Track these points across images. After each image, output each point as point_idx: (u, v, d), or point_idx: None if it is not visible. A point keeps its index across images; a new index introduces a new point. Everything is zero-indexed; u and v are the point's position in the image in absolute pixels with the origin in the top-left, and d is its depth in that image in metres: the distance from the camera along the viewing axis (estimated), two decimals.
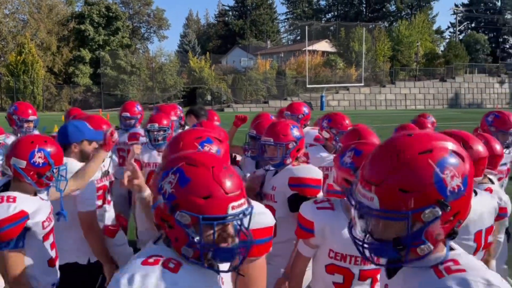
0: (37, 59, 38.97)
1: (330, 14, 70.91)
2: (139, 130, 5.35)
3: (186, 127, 5.37)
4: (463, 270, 1.28)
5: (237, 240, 1.48)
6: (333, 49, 51.42)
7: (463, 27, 66.95)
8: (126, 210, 5.09)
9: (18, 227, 2.35)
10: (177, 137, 2.08)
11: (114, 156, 4.28)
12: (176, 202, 1.40)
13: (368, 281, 2.36)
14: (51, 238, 2.65)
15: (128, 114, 5.50)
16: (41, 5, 44.62)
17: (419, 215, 1.28)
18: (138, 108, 5.68)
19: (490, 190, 2.82)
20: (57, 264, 2.74)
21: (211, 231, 1.40)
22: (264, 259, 2.17)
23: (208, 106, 36.05)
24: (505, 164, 4.35)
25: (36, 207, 2.48)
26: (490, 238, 2.66)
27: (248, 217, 1.49)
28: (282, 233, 2.91)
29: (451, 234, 1.36)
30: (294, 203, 2.97)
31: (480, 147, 2.56)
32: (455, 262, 1.33)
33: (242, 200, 1.45)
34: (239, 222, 1.48)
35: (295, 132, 3.18)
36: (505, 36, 66.69)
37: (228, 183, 1.43)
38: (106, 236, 3.55)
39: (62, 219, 2.77)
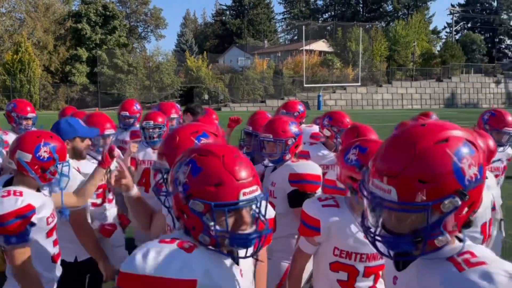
0: (34, 58, 38.81)
1: (327, 14, 70.93)
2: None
3: None
4: (483, 263, 1.26)
5: (254, 227, 1.52)
6: (330, 49, 51.43)
7: (459, 27, 67.08)
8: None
9: (25, 220, 2.36)
10: (173, 132, 2.09)
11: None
12: (190, 192, 1.47)
13: (372, 277, 2.36)
14: (54, 235, 2.65)
15: (127, 113, 5.50)
16: (37, 3, 44.45)
17: (438, 205, 1.26)
18: (137, 106, 5.67)
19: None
20: (60, 260, 2.74)
21: (224, 218, 1.45)
22: (265, 251, 2.20)
23: (205, 105, 36.00)
24: (500, 161, 4.40)
25: (41, 203, 2.49)
26: (491, 230, 2.70)
27: (264, 204, 1.54)
28: (282, 228, 2.93)
29: (466, 224, 1.35)
30: (294, 199, 3.02)
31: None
32: (472, 254, 1.31)
33: (254, 187, 1.49)
34: (256, 210, 1.53)
35: (294, 129, 3.22)
36: (501, 36, 66.91)
37: (238, 170, 1.47)
38: (102, 235, 3.54)
39: (62, 217, 2.79)
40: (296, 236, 2.99)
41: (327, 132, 4.26)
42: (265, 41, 60.57)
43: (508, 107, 40.55)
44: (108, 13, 45.95)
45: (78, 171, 3.61)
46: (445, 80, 48.05)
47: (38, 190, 2.62)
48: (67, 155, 2.75)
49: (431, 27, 63.54)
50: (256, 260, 1.59)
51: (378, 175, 1.33)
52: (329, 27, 57.58)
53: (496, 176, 4.13)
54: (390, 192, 1.29)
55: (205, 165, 1.48)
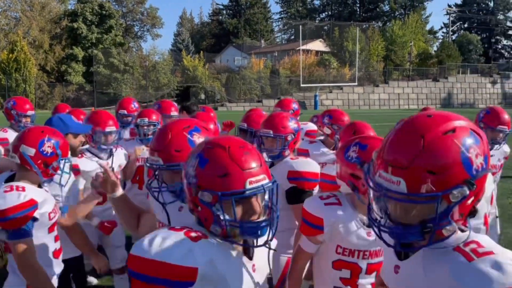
0: (29, 57, 38.73)
1: (324, 14, 71.12)
2: None
3: None
4: (491, 252, 1.26)
5: (265, 217, 1.56)
6: (327, 49, 51.57)
7: (456, 28, 67.40)
8: None
9: (27, 215, 2.38)
10: (164, 128, 2.07)
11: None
12: (198, 183, 1.52)
13: (374, 274, 2.36)
14: (55, 230, 2.67)
15: (125, 112, 5.51)
16: (33, 2, 44.39)
17: (447, 195, 1.26)
18: (135, 105, 5.68)
19: None
20: (61, 256, 2.75)
21: (233, 207, 1.48)
22: None
23: (202, 105, 35.98)
24: (498, 159, 4.41)
25: (43, 198, 2.51)
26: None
27: (275, 192, 1.57)
28: (280, 223, 2.91)
29: (471, 213, 1.35)
30: (292, 195, 3.02)
31: None
32: (478, 244, 1.31)
33: (261, 176, 1.52)
34: (267, 198, 1.56)
35: (293, 125, 3.23)
36: (498, 37, 67.26)
37: (244, 160, 1.51)
38: (102, 233, 3.55)
39: (62, 215, 2.80)
40: (296, 231, 2.98)
41: (327, 130, 4.26)
42: (262, 41, 60.64)
43: (504, 107, 40.62)
44: (104, 12, 45.91)
45: (77, 168, 3.59)
46: (442, 80, 48.22)
47: (39, 186, 2.63)
48: (69, 152, 2.76)
49: (428, 27, 63.86)
50: (269, 249, 1.60)
51: (386, 167, 1.32)
52: (326, 27, 57.75)
53: (493, 173, 4.13)
54: (399, 184, 1.28)
55: (211, 156, 1.52)
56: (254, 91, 43.38)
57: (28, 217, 2.38)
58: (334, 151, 3.99)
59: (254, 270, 1.63)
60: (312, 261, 2.52)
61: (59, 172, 2.65)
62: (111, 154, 3.99)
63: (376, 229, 1.42)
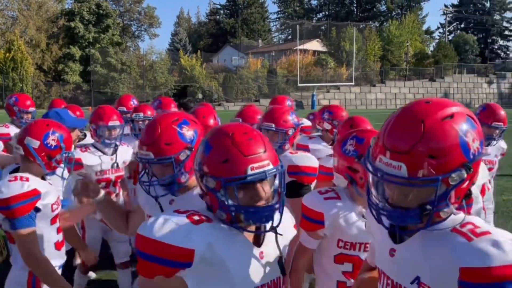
0: (26, 56, 38.67)
1: (321, 14, 71.13)
2: None
3: None
4: (489, 232, 1.32)
5: (272, 201, 1.56)
6: (324, 49, 51.59)
7: (452, 28, 67.53)
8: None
9: (30, 204, 2.43)
10: (153, 122, 2.08)
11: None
12: (203, 169, 1.55)
13: None
14: (58, 222, 2.70)
15: (124, 109, 5.53)
16: (30, 2, 44.27)
17: (446, 179, 1.30)
18: (134, 102, 5.72)
19: None
20: (64, 248, 2.78)
21: (235, 193, 1.51)
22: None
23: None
24: (495, 155, 4.43)
25: (46, 189, 2.55)
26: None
27: (282, 177, 1.58)
28: None
29: (467, 196, 1.41)
30: (292, 189, 3.02)
31: None
32: (474, 225, 1.37)
33: (265, 162, 1.52)
34: (276, 184, 1.57)
35: (294, 119, 3.30)
36: (494, 37, 67.46)
37: (246, 146, 1.52)
38: (106, 226, 3.58)
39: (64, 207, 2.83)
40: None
41: (327, 126, 4.28)
42: (259, 41, 60.63)
43: None
44: (101, 11, 45.83)
45: (80, 162, 3.63)
46: (438, 80, 48.35)
47: (43, 178, 2.66)
48: (73, 146, 2.81)
49: (425, 27, 64.02)
50: (276, 234, 1.60)
51: (386, 152, 1.36)
52: (323, 27, 57.75)
53: (490, 169, 4.15)
54: (400, 168, 1.31)
55: (215, 143, 1.55)
56: (251, 90, 43.38)
57: (30, 207, 2.43)
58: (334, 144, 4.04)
59: (262, 257, 1.62)
60: (313, 259, 2.51)
61: (61, 165, 2.69)
62: (115, 150, 3.99)
63: (374, 213, 1.46)
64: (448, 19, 64.42)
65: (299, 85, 40.23)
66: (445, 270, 1.33)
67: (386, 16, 65.32)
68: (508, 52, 67.78)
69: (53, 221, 2.64)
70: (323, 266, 2.46)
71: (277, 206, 1.56)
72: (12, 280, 2.61)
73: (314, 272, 2.58)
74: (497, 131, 4.27)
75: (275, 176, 1.58)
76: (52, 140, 2.59)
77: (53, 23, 44.83)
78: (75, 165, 3.18)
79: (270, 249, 1.64)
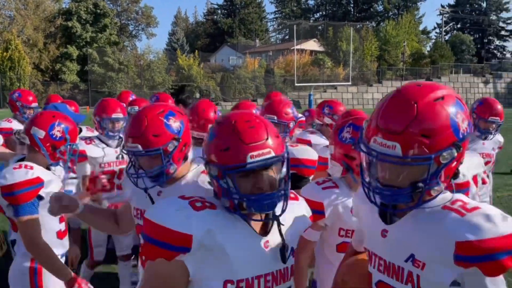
0: (24, 55, 38.57)
1: (318, 14, 71.17)
2: None
3: None
4: (479, 207, 1.40)
5: (277, 188, 1.55)
6: (321, 48, 51.62)
7: (449, 28, 67.72)
8: None
9: (34, 191, 2.49)
10: (140, 114, 2.07)
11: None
12: (207, 157, 1.57)
13: None
14: None
15: (123, 105, 5.57)
16: (27, 1, 44.17)
17: (438, 157, 1.37)
18: (133, 98, 5.75)
19: None
20: (66, 237, 2.82)
21: (239, 181, 1.51)
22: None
23: None
24: (492, 148, 4.48)
25: (50, 178, 2.61)
26: None
27: (286, 165, 1.59)
28: None
29: (455, 175, 1.48)
30: (292, 182, 3.10)
31: None
32: (463, 201, 1.45)
33: (266, 150, 1.51)
34: (283, 172, 1.57)
35: (295, 112, 3.38)
36: (490, 37, 67.63)
37: (247, 134, 1.51)
38: None
39: None
40: None
41: (328, 120, 4.34)
42: (257, 40, 60.60)
43: None
44: (98, 11, 45.76)
45: (84, 154, 3.69)
46: (435, 79, 48.39)
47: (48, 169, 2.71)
48: (78, 138, 2.86)
49: (421, 27, 64.02)
50: (278, 223, 1.60)
51: (381, 133, 1.42)
52: (320, 27, 57.77)
53: (487, 162, 4.19)
54: (394, 148, 1.38)
55: (218, 132, 1.57)
56: (249, 90, 43.39)
57: (33, 194, 2.48)
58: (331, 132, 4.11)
59: (267, 247, 1.59)
60: (314, 249, 2.52)
61: (65, 157, 2.73)
62: (120, 143, 4.02)
63: (366, 191, 1.51)
64: (444, 19, 64.59)
65: (296, 84, 40.21)
66: (440, 245, 1.38)
67: (383, 16, 65.41)
68: (504, 52, 68.08)
69: None
70: (325, 256, 2.48)
71: (280, 194, 1.54)
72: (15, 268, 2.65)
73: (315, 262, 2.60)
74: (494, 125, 4.30)
75: (282, 164, 1.57)
76: (57, 131, 2.65)
77: (50, 23, 44.76)
78: (79, 157, 3.22)
79: (277, 238, 1.62)
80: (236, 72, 44.04)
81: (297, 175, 3.10)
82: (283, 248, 1.60)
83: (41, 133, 2.62)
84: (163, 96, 5.62)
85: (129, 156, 2.08)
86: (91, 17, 45.43)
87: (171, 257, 1.47)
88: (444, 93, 1.43)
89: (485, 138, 4.35)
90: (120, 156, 3.86)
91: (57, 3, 48.71)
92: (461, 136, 1.40)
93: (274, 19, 73.04)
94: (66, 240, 2.81)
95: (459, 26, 68.29)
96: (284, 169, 1.59)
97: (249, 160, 1.48)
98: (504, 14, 66.99)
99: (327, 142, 4.32)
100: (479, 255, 1.31)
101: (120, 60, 42.99)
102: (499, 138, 4.59)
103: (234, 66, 47.01)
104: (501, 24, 67.28)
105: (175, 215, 1.49)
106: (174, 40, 60.70)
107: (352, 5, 67.82)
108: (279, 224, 1.60)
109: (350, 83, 42.28)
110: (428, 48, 60.80)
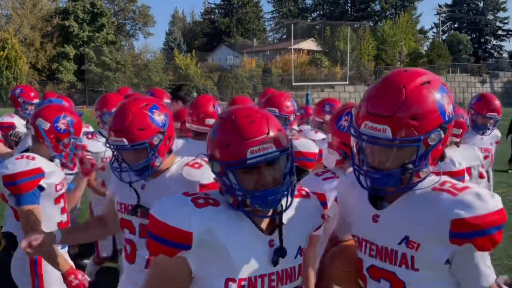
0: (20, 55, 38.55)
1: (315, 13, 71.34)
2: None
3: None
4: (468, 187, 1.46)
5: (281, 183, 1.51)
6: (318, 48, 51.73)
7: (446, 28, 67.87)
8: None
9: (34, 181, 2.53)
10: (123, 108, 2.06)
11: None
12: (209, 154, 1.56)
13: None
14: (62, 203, 2.79)
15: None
16: (24, 0, 44.05)
17: (426, 139, 1.43)
18: (130, 93, 5.74)
19: None
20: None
21: (241, 177, 1.48)
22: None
23: None
24: (490, 143, 4.50)
25: (51, 169, 2.65)
26: None
27: (290, 160, 1.55)
28: None
29: (442, 157, 1.55)
30: None
31: None
32: (451, 182, 1.51)
33: (266, 145, 1.47)
34: (288, 167, 1.53)
35: (295, 105, 3.41)
36: (487, 37, 67.91)
37: (247, 130, 1.48)
38: None
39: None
40: None
41: (328, 118, 4.35)
42: (254, 40, 60.70)
43: None
44: (95, 10, 45.72)
45: (86, 149, 3.68)
46: None
47: (51, 161, 2.75)
48: (82, 132, 2.91)
49: (418, 27, 64.22)
50: (280, 222, 1.57)
51: (371, 117, 1.46)
52: (317, 26, 57.90)
53: (486, 157, 4.22)
54: (385, 131, 1.43)
55: (219, 128, 1.55)
56: (246, 89, 43.41)
57: (34, 184, 2.53)
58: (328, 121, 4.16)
59: (272, 245, 1.56)
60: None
61: (68, 150, 2.78)
62: None
63: (357, 174, 1.54)
64: (441, 19, 64.74)
65: (293, 84, 40.26)
66: (435, 225, 1.43)
67: (380, 15, 65.59)
68: (501, 52, 68.32)
69: (57, 201, 2.73)
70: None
71: (283, 189, 1.50)
72: (16, 258, 2.70)
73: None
74: (492, 121, 4.33)
75: (287, 158, 1.54)
76: (62, 124, 2.71)
77: (47, 22, 44.71)
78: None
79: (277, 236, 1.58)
80: (233, 71, 44.10)
81: (298, 168, 3.11)
82: (278, 250, 1.55)
83: (46, 125, 2.68)
84: (158, 92, 5.61)
85: (112, 150, 2.07)
86: (88, 16, 45.39)
87: (173, 254, 1.47)
88: (430, 77, 1.49)
89: (483, 134, 4.40)
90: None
91: (54, 2, 48.67)
92: (447, 119, 1.45)
93: (272, 19, 73.19)
94: None
95: (456, 25, 68.51)
96: (289, 163, 1.55)
97: (249, 155, 1.45)
98: (501, 14, 67.40)
99: (322, 136, 4.37)
100: (473, 231, 1.38)
101: (117, 59, 43.01)
102: (496, 132, 4.64)
103: (231, 65, 47.06)
104: (498, 23, 67.57)
105: (177, 212, 1.48)
106: (171, 39, 60.66)
107: (349, 5, 67.97)
108: (280, 221, 1.57)
109: (347, 82, 42.35)
110: (425, 48, 60.95)
